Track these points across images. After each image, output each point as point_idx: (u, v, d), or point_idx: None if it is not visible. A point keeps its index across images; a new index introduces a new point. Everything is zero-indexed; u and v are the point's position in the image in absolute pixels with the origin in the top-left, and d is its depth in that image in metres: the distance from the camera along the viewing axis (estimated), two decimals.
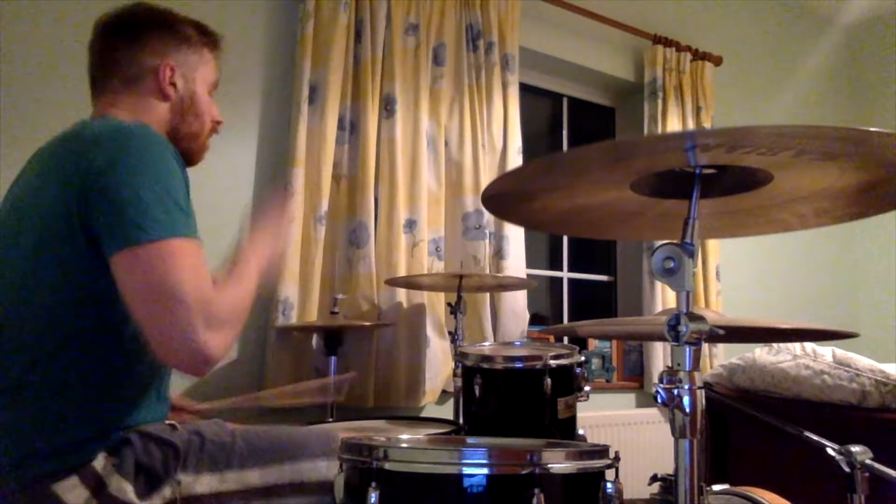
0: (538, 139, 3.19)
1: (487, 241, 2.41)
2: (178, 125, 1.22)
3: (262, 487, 1.07)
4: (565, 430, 1.54)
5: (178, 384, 1.88)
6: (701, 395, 0.83)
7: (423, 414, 2.29)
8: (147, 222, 0.94)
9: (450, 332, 2.15)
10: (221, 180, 2.06)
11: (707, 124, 3.13)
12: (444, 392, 2.31)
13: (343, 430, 1.25)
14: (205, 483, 1.04)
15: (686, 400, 0.82)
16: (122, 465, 1.00)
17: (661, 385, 0.84)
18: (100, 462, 0.99)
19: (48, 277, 1.00)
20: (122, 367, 1.04)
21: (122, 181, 0.96)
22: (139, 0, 1.22)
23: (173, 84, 1.20)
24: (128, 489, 0.98)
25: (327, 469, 1.10)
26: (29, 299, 1.01)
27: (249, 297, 1.07)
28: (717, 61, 3.24)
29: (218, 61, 1.30)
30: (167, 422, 1.12)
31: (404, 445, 1.04)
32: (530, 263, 2.63)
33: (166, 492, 1.02)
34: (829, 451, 1.14)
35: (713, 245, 3.10)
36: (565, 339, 2.72)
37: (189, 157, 1.23)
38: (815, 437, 1.21)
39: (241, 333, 1.02)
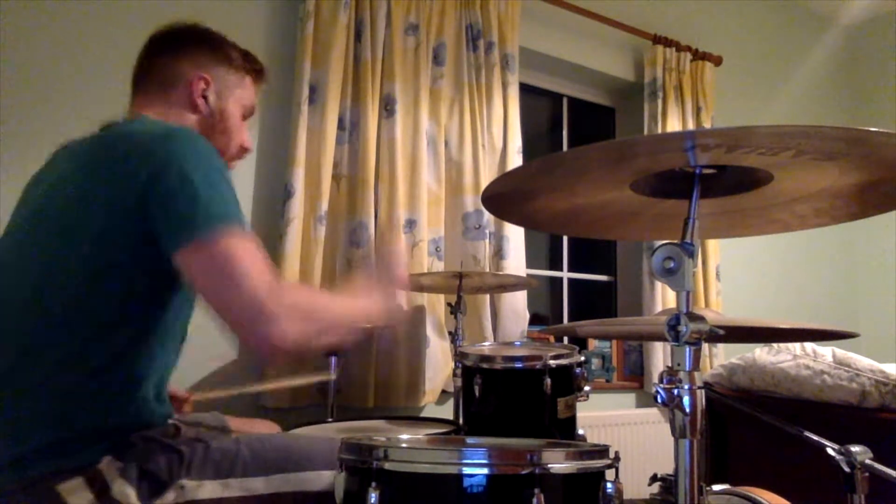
0: (538, 139, 3.19)
1: (487, 241, 2.41)
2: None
3: (265, 496, 1.07)
4: (565, 430, 1.54)
5: (181, 383, 1.88)
6: (701, 395, 0.83)
7: (423, 414, 2.29)
8: (209, 217, 0.97)
9: (450, 332, 2.15)
10: None
11: (707, 124, 3.13)
12: (444, 392, 2.31)
13: (343, 431, 1.25)
14: (208, 489, 1.04)
15: (686, 400, 0.82)
16: (127, 469, 0.99)
17: (661, 385, 0.84)
18: (104, 464, 0.98)
19: (61, 281, 1.00)
20: (125, 368, 1.04)
21: (180, 180, 0.98)
22: (196, 21, 1.27)
23: (205, 97, 1.22)
24: (130, 493, 0.98)
25: (331, 481, 1.10)
26: (40, 303, 1.01)
27: (340, 314, 1.09)
28: (717, 61, 3.24)
29: (258, 91, 1.32)
30: (170, 420, 1.12)
31: (404, 445, 1.04)
32: (530, 263, 2.63)
33: (169, 497, 1.01)
34: (829, 451, 1.14)
35: (713, 245, 3.10)
36: (565, 339, 2.72)
37: None
38: (815, 437, 1.21)
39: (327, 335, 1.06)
